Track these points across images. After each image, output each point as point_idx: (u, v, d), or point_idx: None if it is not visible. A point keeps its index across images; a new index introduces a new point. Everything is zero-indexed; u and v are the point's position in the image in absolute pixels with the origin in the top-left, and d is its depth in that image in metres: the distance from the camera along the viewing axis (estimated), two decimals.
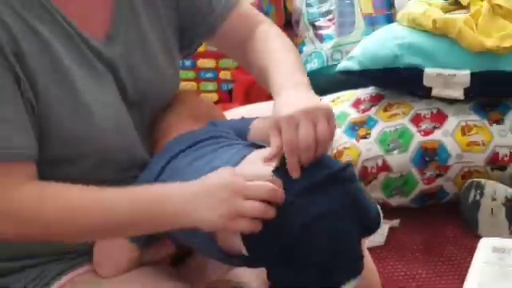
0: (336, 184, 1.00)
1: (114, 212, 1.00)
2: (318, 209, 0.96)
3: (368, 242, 1.35)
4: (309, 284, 0.97)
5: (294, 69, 1.13)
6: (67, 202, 1.00)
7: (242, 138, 1.13)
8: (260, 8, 1.96)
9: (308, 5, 2.19)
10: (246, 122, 1.20)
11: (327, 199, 0.97)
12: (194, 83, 1.97)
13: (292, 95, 1.03)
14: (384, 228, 1.51)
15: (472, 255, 1.26)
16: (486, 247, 1.27)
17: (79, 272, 1.10)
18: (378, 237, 1.48)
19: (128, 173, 1.12)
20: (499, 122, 1.50)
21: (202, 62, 1.93)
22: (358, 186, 1.03)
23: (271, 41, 1.21)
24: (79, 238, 1.07)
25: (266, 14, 1.99)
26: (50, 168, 1.02)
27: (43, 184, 0.99)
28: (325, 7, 2.16)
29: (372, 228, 1.03)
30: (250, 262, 1.00)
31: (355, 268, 0.99)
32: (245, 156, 1.01)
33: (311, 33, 2.13)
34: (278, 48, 1.19)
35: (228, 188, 0.93)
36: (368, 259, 1.11)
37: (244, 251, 0.95)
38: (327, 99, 1.70)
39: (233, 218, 0.91)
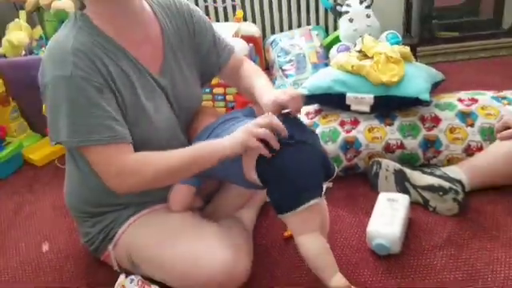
0: (314, 139, 1.07)
1: (194, 161, 1.02)
2: (301, 152, 1.01)
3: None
4: (289, 196, 0.99)
5: (268, 84, 1.20)
6: (162, 163, 1.01)
7: (249, 118, 1.14)
8: (250, 57, 1.97)
9: (278, 56, 2.23)
10: (249, 109, 1.22)
11: (309, 146, 1.03)
12: (210, 102, 1.96)
13: (273, 91, 1.13)
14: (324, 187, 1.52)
15: (374, 202, 1.34)
16: (383, 197, 1.35)
17: (143, 213, 1.15)
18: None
19: (179, 140, 1.15)
20: (391, 125, 1.53)
21: (216, 90, 1.93)
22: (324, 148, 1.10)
23: (252, 72, 1.27)
24: (168, 183, 1.09)
25: (254, 61, 2.00)
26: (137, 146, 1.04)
27: (142, 153, 1.01)
28: (288, 58, 2.20)
29: (330, 175, 1.08)
30: (261, 186, 1.04)
31: (320, 191, 1.03)
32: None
33: (280, 73, 2.17)
34: (256, 75, 1.25)
35: (247, 127, 0.99)
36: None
37: (257, 181, 1.03)
38: None
39: (251, 138, 0.97)
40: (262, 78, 1.23)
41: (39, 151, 1.92)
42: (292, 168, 0.99)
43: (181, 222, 1.12)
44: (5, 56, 1.95)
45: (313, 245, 1.01)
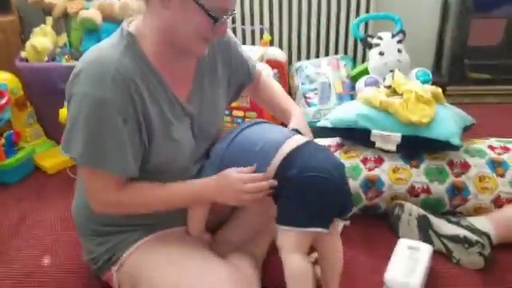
0: (341, 172, 1.06)
1: (171, 206, 1.08)
2: (325, 181, 1.01)
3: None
4: (299, 213, 1.01)
5: (288, 98, 1.31)
6: (143, 205, 1.06)
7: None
8: None
9: (302, 83, 2.20)
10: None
11: (334, 178, 1.03)
12: (229, 124, 1.97)
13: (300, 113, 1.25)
14: (340, 224, 1.46)
15: (394, 249, 1.28)
16: (403, 245, 1.30)
17: (151, 238, 1.13)
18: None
19: (189, 172, 1.14)
20: (417, 166, 1.48)
21: (236, 112, 1.93)
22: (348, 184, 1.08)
23: (271, 85, 1.33)
24: (150, 213, 1.09)
25: None
26: (147, 176, 1.05)
27: (129, 190, 1.04)
28: (313, 86, 2.17)
29: (346, 212, 1.07)
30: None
31: (328, 224, 1.02)
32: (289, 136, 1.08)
33: (303, 101, 2.13)
34: (276, 89, 1.32)
35: (234, 184, 1.02)
36: (338, 238, 1.12)
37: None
38: None
39: (241, 197, 1.02)
40: (280, 90, 1.32)
41: (51, 158, 1.91)
42: (313, 192, 0.99)
43: (188, 253, 1.08)
44: (27, 60, 1.96)
45: (300, 265, 1.01)
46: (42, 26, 2.01)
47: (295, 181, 1.01)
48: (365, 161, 1.52)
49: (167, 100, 1.03)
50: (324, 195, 1.00)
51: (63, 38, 2.03)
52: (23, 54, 1.97)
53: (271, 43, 2.34)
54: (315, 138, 1.61)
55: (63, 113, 1.65)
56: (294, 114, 1.23)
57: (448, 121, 1.47)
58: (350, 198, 1.09)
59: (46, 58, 1.95)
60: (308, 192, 0.99)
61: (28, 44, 1.94)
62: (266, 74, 1.41)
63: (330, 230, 1.02)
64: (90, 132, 0.94)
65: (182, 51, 1.02)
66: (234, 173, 1.03)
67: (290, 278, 1.02)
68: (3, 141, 1.82)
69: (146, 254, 1.10)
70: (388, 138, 1.49)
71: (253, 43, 2.43)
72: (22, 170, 1.86)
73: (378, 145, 1.52)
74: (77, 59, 1.75)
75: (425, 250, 1.27)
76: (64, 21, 2.10)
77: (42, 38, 1.95)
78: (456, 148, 1.46)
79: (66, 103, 1.00)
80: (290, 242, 1.01)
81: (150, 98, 0.99)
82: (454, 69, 2.36)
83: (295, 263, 1.01)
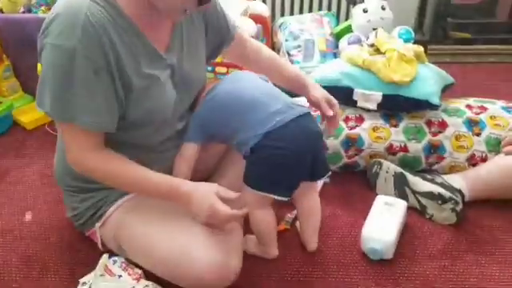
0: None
1: (145, 189, 1.04)
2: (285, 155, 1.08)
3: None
4: (263, 179, 1.09)
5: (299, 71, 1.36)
6: (118, 177, 1.03)
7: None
8: (257, 38, 1.92)
9: (286, 40, 2.17)
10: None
11: (298, 153, 1.10)
12: (213, 81, 1.91)
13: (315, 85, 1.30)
14: (320, 181, 1.49)
15: (371, 204, 1.32)
16: (379, 201, 1.34)
17: (132, 196, 1.12)
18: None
19: (173, 128, 1.14)
20: (396, 126, 1.50)
21: (219, 69, 1.89)
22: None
23: (261, 47, 1.31)
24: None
25: (261, 42, 1.91)
26: (122, 132, 1.02)
27: (107, 158, 1.01)
28: (296, 43, 2.14)
29: (318, 175, 1.17)
30: None
31: (289, 193, 1.12)
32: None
33: (286, 57, 2.10)
34: (268, 50, 1.31)
35: (212, 213, 1.01)
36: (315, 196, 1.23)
37: None
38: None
39: (212, 222, 1.03)
40: (281, 59, 1.33)
41: (30, 114, 1.87)
42: (275, 163, 1.07)
43: (173, 211, 1.07)
44: (2, 11, 1.88)
45: (262, 219, 1.15)
46: None
47: (261, 149, 1.06)
48: (346, 119, 1.53)
49: (144, 51, 1.00)
50: (286, 168, 1.07)
51: None
52: None
53: None
54: (297, 96, 1.60)
55: (40, 67, 1.60)
56: (309, 83, 1.28)
57: (428, 80, 1.48)
58: (320, 165, 1.15)
59: (22, 10, 1.87)
60: (270, 163, 1.07)
61: None
62: (249, 34, 1.38)
63: (291, 198, 1.13)
64: (59, 84, 0.91)
65: (158, 12, 0.99)
66: (220, 205, 0.99)
67: (254, 230, 1.18)
68: None
69: (129, 210, 1.10)
70: (370, 96, 1.50)
71: None
72: (1, 126, 1.82)
73: (359, 104, 1.53)
74: None
75: (400, 206, 1.32)
76: None
77: None
78: (435, 107, 1.48)
79: (38, 56, 0.96)
80: (253, 201, 1.10)
81: (124, 49, 0.95)
82: (436, 27, 2.35)
83: (257, 218, 1.15)
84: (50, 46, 0.91)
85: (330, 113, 1.23)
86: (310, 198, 1.21)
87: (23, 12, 1.87)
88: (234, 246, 1.05)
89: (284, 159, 1.07)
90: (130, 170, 1.02)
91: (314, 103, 1.26)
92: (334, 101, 1.26)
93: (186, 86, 1.12)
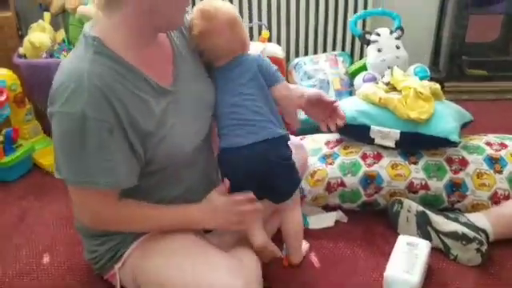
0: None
1: (160, 225, 1.07)
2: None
3: (323, 224, 1.47)
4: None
5: None
6: (133, 221, 1.06)
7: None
8: None
9: (301, 79, 2.20)
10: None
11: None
12: None
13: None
14: (334, 216, 1.50)
15: (393, 245, 1.29)
16: (402, 241, 1.30)
17: (149, 234, 1.11)
18: (329, 221, 1.48)
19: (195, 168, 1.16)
20: (415, 163, 1.49)
21: None
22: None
23: None
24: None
25: None
26: (154, 180, 1.05)
27: (121, 209, 1.03)
28: (311, 82, 2.16)
29: (283, 194, 1.20)
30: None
31: None
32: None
33: None
34: None
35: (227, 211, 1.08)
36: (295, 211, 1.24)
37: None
38: (310, 137, 1.67)
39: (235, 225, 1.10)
40: None
41: (50, 156, 1.89)
42: (228, 172, 1.15)
43: (191, 247, 1.07)
44: (25, 56, 1.95)
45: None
46: (40, 21, 1.99)
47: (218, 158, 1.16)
48: (364, 157, 1.52)
49: (151, 91, 0.99)
50: (234, 176, 1.13)
51: (61, 34, 2.02)
52: (21, 50, 1.95)
53: (269, 39, 2.32)
54: (314, 133, 1.60)
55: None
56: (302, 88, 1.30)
57: (446, 117, 1.47)
58: (278, 191, 1.18)
59: (44, 55, 1.93)
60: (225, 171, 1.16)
61: (26, 40, 1.93)
62: None
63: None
64: (73, 150, 0.91)
65: (160, 29, 1.00)
66: (236, 196, 1.08)
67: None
68: (2, 138, 1.81)
69: (147, 249, 1.09)
70: (387, 134, 1.49)
71: (251, 39, 2.42)
72: (21, 168, 1.85)
73: (377, 141, 1.52)
74: None
75: (423, 247, 1.28)
76: (62, 17, 2.09)
77: (40, 34, 1.94)
78: (454, 144, 1.46)
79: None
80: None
81: (132, 98, 0.94)
82: (451, 65, 2.36)
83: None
84: (59, 114, 0.91)
85: (332, 99, 1.28)
86: (287, 214, 1.23)
87: (45, 57, 1.93)
88: (254, 277, 1.06)
89: (230, 176, 1.13)
90: (144, 213, 1.04)
91: (314, 96, 1.26)
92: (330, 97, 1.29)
93: (196, 111, 1.10)
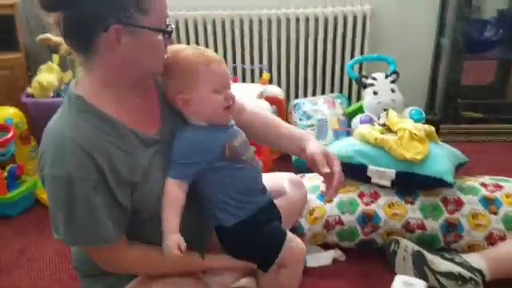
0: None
1: (164, 270, 1.05)
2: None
3: (321, 263, 1.46)
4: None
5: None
6: (139, 265, 1.04)
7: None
8: None
9: (300, 120, 2.25)
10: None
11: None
12: None
13: (314, 140, 1.14)
14: (331, 255, 1.50)
15: (390, 284, 1.28)
16: (399, 281, 1.29)
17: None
18: (326, 260, 1.48)
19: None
20: (412, 203, 1.50)
21: None
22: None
23: (256, 117, 1.22)
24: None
25: None
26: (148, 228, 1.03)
27: (125, 251, 1.02)
28: (310, 122, 2.22)
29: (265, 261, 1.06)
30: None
31: None
32: None
33: None
34: (265, 117, 1.24)
35: None
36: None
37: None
38: (308, 176, 1.69)
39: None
40: (278, 123, 1.22)
41: None
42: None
43: (186, 284, 1.05)
44: (32, 96, 2.00)
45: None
46: (49, 63, 2.06)
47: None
48: (361, 195, 1.54)
49: (138, 143, 0.97)
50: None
51: (69, 75, 2.08)
52: (29, 90, 2.02)
53: (270, 81, 2.40)
54: (312, 172, 1.61)
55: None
56: (309, 139, 1.14)
57: (441, 158, 1.50)
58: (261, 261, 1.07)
59: (52, 94, 1.99)
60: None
61: (34, 80, 1.99)
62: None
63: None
64: (65, 215, 0.91)
65: (139, 80, 0.98)
66: None
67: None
68: (6, 174, 1.84)
69: (145, 284, 1.07)
70: (383, 173, 1.52)
71: (252, 81, 2.50)
72: (24, 203, 1.88)
73: (373, 180, 1.54)
74: None
75: (420, 287, 1.27)
76: (70, 58, 2.16)
77: (48, 75, 2.00)
78: (449, 185, 1.48)
79: None
80: None
81: (116, 152, 0.93)
82: (446, 108, 2.41)
83: None
84: (48, 178, 0.91)
85: (326, 170, 1.06)
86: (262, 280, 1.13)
87: (53, 97, 1.99)
88: None
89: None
90: (145, 259, 1.03)
91: (310, 159, 1.09)
92: (334, 157, 1.11)
93: None
